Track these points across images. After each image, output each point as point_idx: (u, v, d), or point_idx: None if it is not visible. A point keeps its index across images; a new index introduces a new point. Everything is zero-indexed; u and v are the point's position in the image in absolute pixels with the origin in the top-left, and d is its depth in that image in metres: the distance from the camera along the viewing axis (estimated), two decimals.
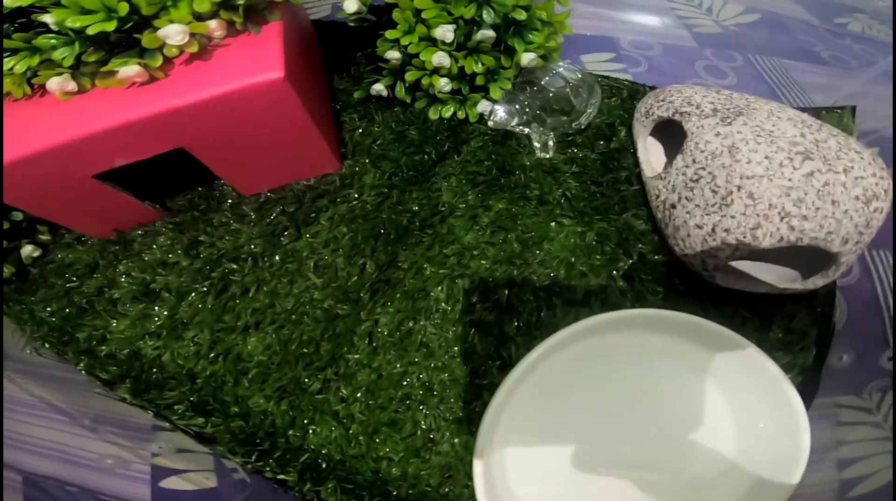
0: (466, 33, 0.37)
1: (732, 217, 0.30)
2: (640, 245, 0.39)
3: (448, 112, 0.43)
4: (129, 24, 0.30)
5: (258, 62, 0.32)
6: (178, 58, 0.33)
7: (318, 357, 0.38)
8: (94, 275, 0.41)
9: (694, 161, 0.33)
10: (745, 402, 0.32)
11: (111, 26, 0.29)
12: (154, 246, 0.41)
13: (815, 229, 0.29)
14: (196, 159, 0.37)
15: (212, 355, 0.38)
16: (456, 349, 0.37)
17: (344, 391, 0.37)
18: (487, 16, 0.36)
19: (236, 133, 0.35)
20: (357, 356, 0.37)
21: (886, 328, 0.37)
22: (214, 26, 0.32)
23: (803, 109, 0.43)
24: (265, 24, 0.34)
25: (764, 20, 0.48)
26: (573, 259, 0.39)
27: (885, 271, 0.39)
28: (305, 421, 0.36)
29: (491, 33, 0.37)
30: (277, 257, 0.41)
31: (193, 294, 0.39)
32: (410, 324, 0.38)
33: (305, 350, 0.38)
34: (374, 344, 0.38)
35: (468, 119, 0.44)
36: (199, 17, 0.31)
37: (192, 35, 0.31)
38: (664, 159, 0.40)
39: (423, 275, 0.40)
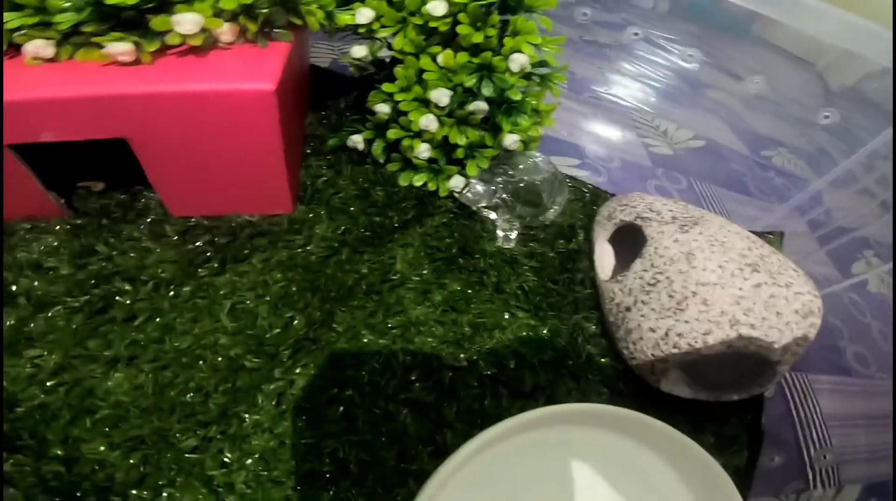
0: (460, 102, 0.36)
1: (686, 322, 0.30)
2: (589, 347, 0.36)
3: (420, 181, 0.40)
4: (150, 4, 0.27)
5: (253, 71, 0.29)
6: (172, 49, 0.29)
7: (204, 410, 0.29)
8: None
9: (652, 265, 0.33)
10: None
11: (133, 0, 0.26)
12: (35, 244, 0.32)
13: (761, 337, 0.30)
14: (132, 160, 0.31)
15: (52, 382, 0.28)
16: (384, 427, 0.30)
17: (229, 455, 0.28)
18: (486, 88, 0.35)
19: (197, 139, 0.30)
20: (257, 417, 0.29)
21: (799, 440, 0.38)
22: (226, 29, 0.30)
23: None
24: (274, 42, 0.32)
25: (708, 147, 0.52)
26: (524, 351, 0.35)
27: (799, 388, 0.40)
28: (161, 483, 0.27)
29: (485, 106, 0.36)
30: (187, 289, 0.33)
31: (59, 307, 0.30)
32: (334, 391, 0.31)
33: (189, 399, 0.29)
34: (283, 407, 0.30)
35: (437, 193, 0.41)
36: (218, 15, 0.29)
37: (203, 30, 0.29)
38: (614, 264, 0.40)
39: (359, 341, 0.33)
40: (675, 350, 0.31)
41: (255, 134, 0.31)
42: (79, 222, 0.34)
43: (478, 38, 0.34)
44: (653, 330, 0.32)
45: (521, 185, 0.40)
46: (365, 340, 0.34)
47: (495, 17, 0.34)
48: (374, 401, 0.32)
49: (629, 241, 0.39)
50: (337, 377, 0.32)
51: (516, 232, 0.40)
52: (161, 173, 0.33)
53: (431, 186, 0.41)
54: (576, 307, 0.38)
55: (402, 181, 0.41)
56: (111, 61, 0.28)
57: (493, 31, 0.34)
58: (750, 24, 0.51)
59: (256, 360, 0.32)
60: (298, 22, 0.33)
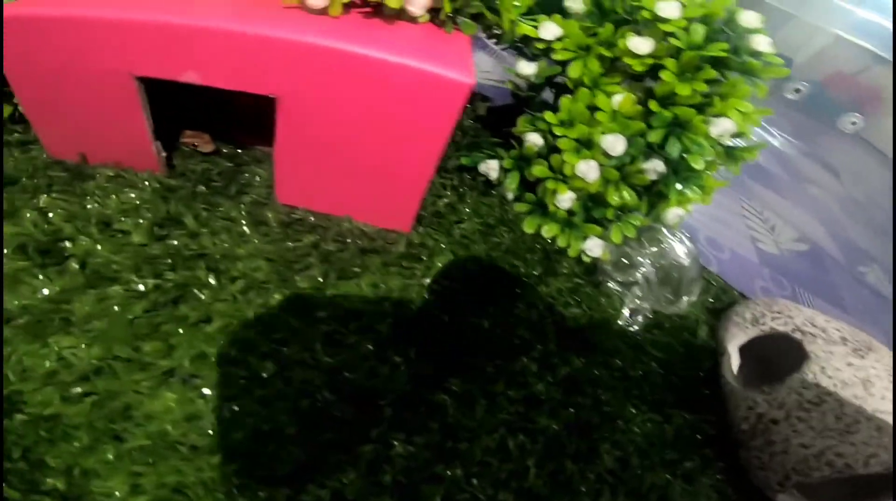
0: (632, 156, 0.31)
1: (852, 444, 0.30)
2: (706, 449, 0.33)
3: (550, 233, 0.34)
4: None
5: (449, 58, 0.25)
6: (363, 8, 0.26)
7: (275, 466, 0.22)
8: None
9: (817, 385, 0.33)
10: None
11: None
12: (113, 197, 0.25)
13: None
14: (248, 126, 0.27)
15: (77, 389, 0.22)
16: None
17: None
18: (673, 147, 0.30)
19: (355, 115, 0.25)
20: (339, 485, 0.23)
21: None
22: (424, 2, 0.25)
23: None
24: (457, 30, 0.28)
25: (810, 251, 0.52)
26: (647, 449, 0.30)
27: None
28: None
29: (663, 167, 0.31)
30: (279, 298, 0.26)
31: (119, 287, 0.23)
32: (438, 468, 0.25)
33: (255, 448, 0.23)
34: (375, 477, 0.24)
35: (566, 251, 0.35)
36: None
37: None
38: (742, 367, 0.38)
39: (474, 411, 0.27)
40: (827, 468, 0.30)
41: (424, 126, 0.26)
42: (172, 182, 0.27)
43: (684, 90, 0.30)
44: (805, 447, 0.31)
45: (665, 265, 0.36)
46: (482, 410, 0.28)
47: (710, 72, 0.30)
48: (482, 486, 0.26)
49: (762, 346, 0.37)
50: (444, 450, 0.26)
51: (643, 316, 0.36)
52: (293, 147, 0.27)
53: (562, 242, 0.35)
54: (696, 407, 0.34)
55: (528, 227, 0.35)
56: (298, 4, 0.23)
57: (703, 87, 0.30)
58: (847, 120, 0.51)
59: (350, 410, 0.25)
60: (489, 16, 0.29)
